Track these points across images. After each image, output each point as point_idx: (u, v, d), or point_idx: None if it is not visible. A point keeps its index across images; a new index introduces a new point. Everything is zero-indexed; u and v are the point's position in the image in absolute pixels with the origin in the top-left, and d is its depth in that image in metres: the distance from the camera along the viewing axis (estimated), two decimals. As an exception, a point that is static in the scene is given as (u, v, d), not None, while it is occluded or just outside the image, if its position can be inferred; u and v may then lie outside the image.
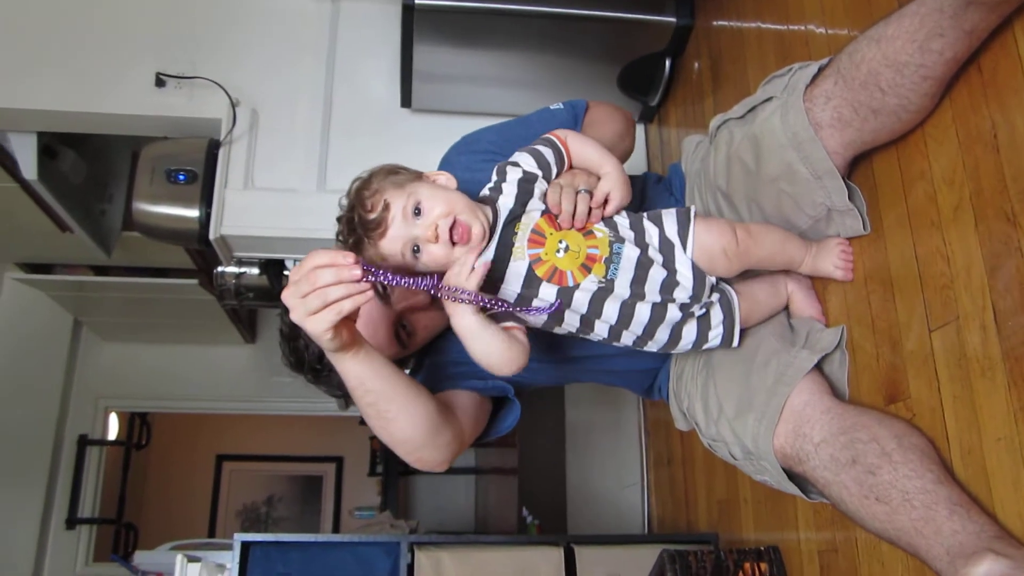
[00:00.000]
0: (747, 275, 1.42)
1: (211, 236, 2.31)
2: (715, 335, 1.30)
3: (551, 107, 1.57)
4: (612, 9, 2.20)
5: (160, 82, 2.41)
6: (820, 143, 1.21)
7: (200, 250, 2.97)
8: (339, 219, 1.20)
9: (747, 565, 1.51)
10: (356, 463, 5.89)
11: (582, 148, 1.31)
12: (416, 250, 1.13)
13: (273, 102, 2.46)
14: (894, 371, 1.24)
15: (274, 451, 5.90)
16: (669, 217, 1.28)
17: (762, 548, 1.51)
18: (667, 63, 2.34)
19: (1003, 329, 1.02)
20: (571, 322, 1.23)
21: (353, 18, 2.59)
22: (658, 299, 1.23)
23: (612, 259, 1.20)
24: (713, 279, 1.28)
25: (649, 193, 1.61)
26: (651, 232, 1.26)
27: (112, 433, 4.45)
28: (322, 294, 1.00)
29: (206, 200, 2.34)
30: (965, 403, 1.09)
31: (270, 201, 2.34)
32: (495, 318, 1.17)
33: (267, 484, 5.95)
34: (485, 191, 1.23)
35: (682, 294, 1.24)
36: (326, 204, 2.35)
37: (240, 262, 2.56)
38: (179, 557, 1.92)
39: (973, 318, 1.08)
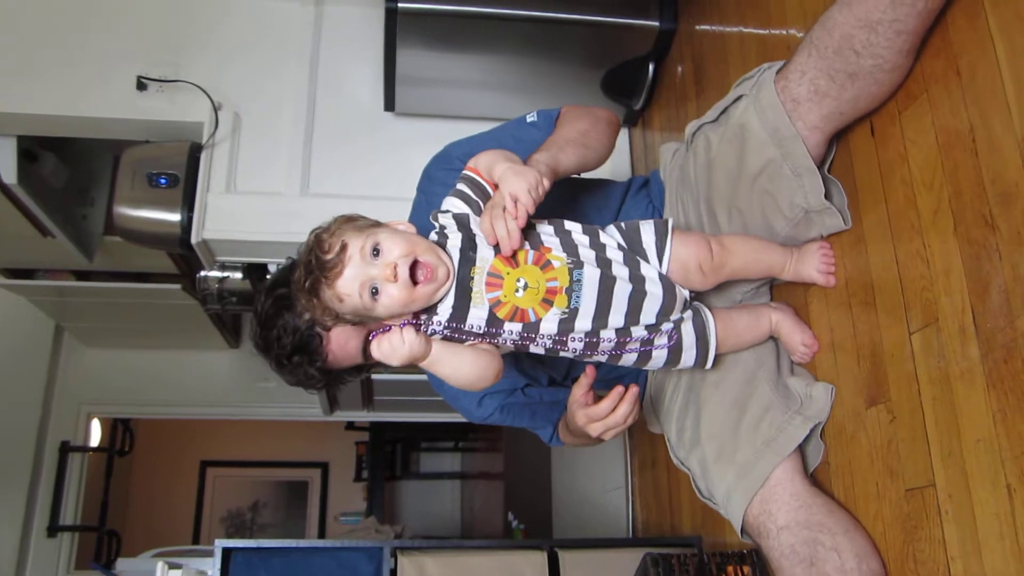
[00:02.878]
0: (728, 296, 1.45)
1: (193, 240, 2.30)
2: (688, 357, 1.30)
3: (527, 118, 1.56)
4: (595, 13, 2.21)
5: (142, 85, 2.40)
6: (800, 139, 1.22)
7: (183, 254, 2.95)
8: (295, 266, 1.17)
9: (730, 568, 1.51)
10: (342, 469, 5.88)
11: (489, 166, 1.24)
12: (375, 292, 1.10)
13: (256, 106, 2.45)
14: (874, 373, 1.24)
15: (259, 457, 5.88)
16: (647, 228, 1.27)
17: (745, 551, 1.51)
18: (650, 67, 2.34)
19: (982, 331, 1.03)
20: (540, 347, 1.23)
21: (336, 22, 2.58)
22: (621, 323, 1.21)
23: (573, 288, 1.18)
24: (687, 293, 1.28)
25: (627, 204, 1.61)
26: (615, 243, 1.25)
27: (94, 439, 4.42)
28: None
29: (188, 204, 2.32)
30: (945, 405, 1.09)
31: (253, 205, 2.32)
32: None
33: (252, 490, 5.92)
34: (433, 236, 1.20)
35: (651, 306, 1.23)
36: (309, 208, 2.36)
37: (223, 266, 2.55)
38: (160, 564, 1.90)
39: (952, 320, 1.08)
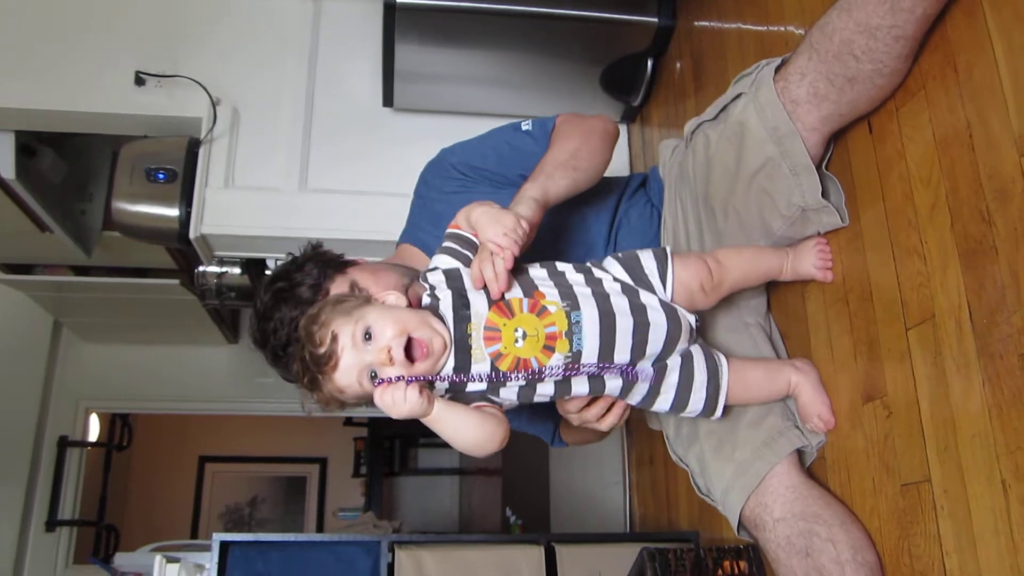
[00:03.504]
0: (737, 315, 1.44)
1: (191, 235, 2.30)
2: (697, 399, 1.25)
3: (521, 126, 1.56)
4: (594, 9, 2.21)
5: (140, 80, 2.39)
6: (799, 137, 1.22)
7: (181, 250, 2.96)
8: (294, 358, 1.15)
9: (726, 563, 1.52)
10: (340, 464, 5.88)
11: (467, 217, 1.23)
12: (374, 376, 1.07)
13: (254, 101, 2.45)
14: (871, 369, 1.24)
15: (257, 452, 5.88)
16: (647, 256, 1.26)
17: (741, 546, 1.52)
18: (649, 63, 2.34)
19: (978, 327, 1.03)
20: (545, 393, 1.19)
21: (335, 17, 2.58)
22: (628, 359, 1.18)
23: (573, 330, 1.14)
24: (692, 320, 1.25)
25: (625, 203, 1.60)
26: (611, 276, 1.23)
27: (93, 435, 4.42)
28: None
29: (186, 199, 2.32)
30: (941, 400, 1.09)
31: (251, 200, 2.33)
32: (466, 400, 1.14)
33: (250, 485, 5.93)
34: (426, 299, 1.17)
35: (657, 335, 1.19)
36: (308, 203, 2.37)
37: (221, 261, 2.54)
38: (158, 558, 1.91)
39: (949, 317, 1.08)
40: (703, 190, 1.43)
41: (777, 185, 1.28)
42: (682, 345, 1.23)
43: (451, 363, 1.12)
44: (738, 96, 1.32)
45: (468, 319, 1.13)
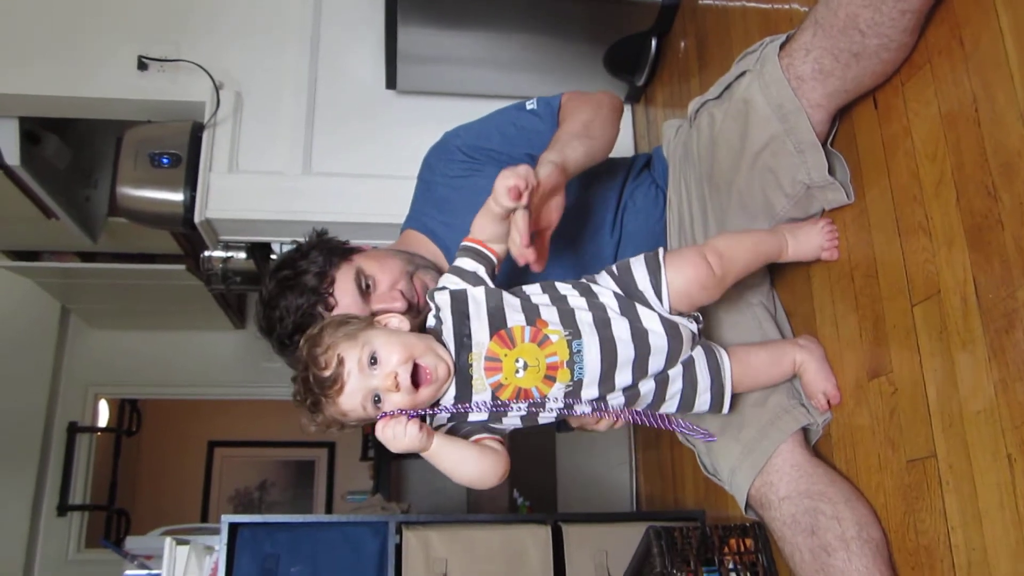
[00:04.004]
0: (743, 299, 1.42)
1: (196, 220, 2.30)
2: (703, 401, 1.25)
3: (526, 105, 1.55)
4: (598, -12, 2.19)
5: (143, 65, 2.39)
6: (804, 114, 1.22)
7: (186, 235, 2.96)
8: (294, 379, 1.15)
9: (732, 541, 1.52)
10: (348, 448, 5.90)
11: (484, 236, 1.20)
12: (377, 400, 1.08)
13: (257, 84, 2.45)
14: (876, 346, 1.24)
15: (266, 437, 5.90)
16: (639, 267, 1.22)
17: (747, 524, 1.52)
18: (653, 43, 2.33)
19: (984, 302, 1.03)
20: (548, 418, 1.18)
21: (337, -1, 2.57)
22: (629, 381, 1.17)
23: (574, 360, 1.13)
24: (694, 328, 1.23)
25: (630, 185, 1.60)
26: (610, 293, 1.21)
27: (102, 420, 4.45)
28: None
29: (190, 184, 2.33)
30: (946, 376, 1.09)
31: (255, 184, 2.32)
32: (464, 435, 1.14)
33: (259, 470, 5.96)
34: (431, 320, 1.17)
35: (656, 359, 1.18)
36: (312, 187, 2.36)
37: (227, 246, 2.55)
38: (168, 540, 1.92)
39: (954, 292, 1.08)
40: (707, 170, 1.42)
41: (782, 163, 1.27)
42: (684, 356, 1.22)
43: (452, 391, 1.12)
44: (743, 74, 1.31)
45: (469, 348, 1.13)
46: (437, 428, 1.13)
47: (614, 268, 1.24)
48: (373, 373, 1.07)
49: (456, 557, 1.71)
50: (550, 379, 1.13)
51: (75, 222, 3.10)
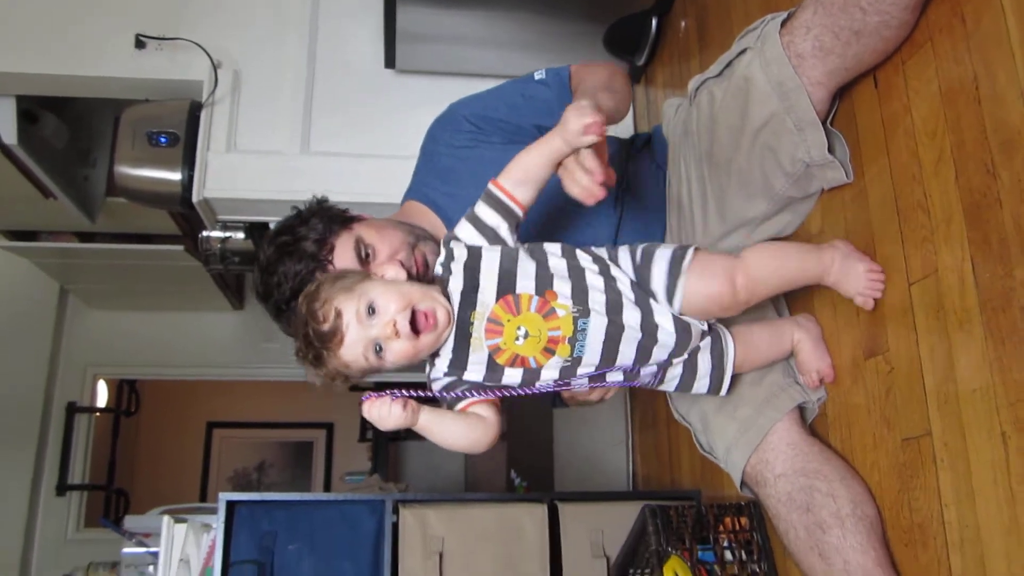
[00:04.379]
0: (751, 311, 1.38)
1: (194, 199, 2.30)
2: (702, 385, 1.25)
3: (534, 75, 1.55)
4: (598, -33, 2.18)
5: (140, 44, 2.38)
6: (805, 92, 1.21)
7: (185, 215, 2.96)
8: (294, 335, 1.15)
9: (727, 519, 1.53)
10: (346, 429, 5.92)
11: (522, 179, 1.17)
12: (379, 349, 1.09)
13: (255, 63, 2.44)
14: (873, 325, 1.24)
15: (264, 418, 5.92)
16: (660, 264, 1.18)
17: (743, 503, 1.53)
18: (653, 22, 2.32)
19: (981, 281, 1.03)
20: (547, 382, 1.17)
21: (336, -23, 2.55)
22: (629, 366, 1.17)
23: (577, 337, 1.12)
24: (704, 326, 1.21)
25: (631, 167, 1.59)
26: (627, 279, 1.18)
27: (101, 400, 4.45)
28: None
29: (188, 163, 2.32)
30: (943, 355, 1.09)
31: (254, 163, 2.32)
32: (458, 398, 1.15)
33: (258, 451, 5.97)
34: (438, 268, 1.17)
35: (661, 353, 1.18)
36: (311, 166, 2.36)
37: (225, 226, 2.54)
38: (166, 518, 1.93)
39: (952, 271, 1.08)
40: (707, 148, 1.42)
41: (782, 141, 1.26)
42: (691, 348, 1.21)
43: (450, 345, 1.13)
44: (743, 51, 1.30)
45: (474, 306, 1.13)
46: (435, 381, 1.15)
47: (638, 253, 1.21)
48: (372, 323, 1.08)
49: (453, 535, 1.72)
50: (549, 351, 1.13)
51: (73, 202, 3.09)
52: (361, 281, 1.13)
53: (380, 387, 1.13)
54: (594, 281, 1.16)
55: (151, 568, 2.20)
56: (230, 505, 1.74)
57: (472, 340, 1.12)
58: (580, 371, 1.15)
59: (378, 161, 2.32)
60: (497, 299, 1.13)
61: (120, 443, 4.81)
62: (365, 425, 5.73)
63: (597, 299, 1.14)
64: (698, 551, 1.50)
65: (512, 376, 1.14)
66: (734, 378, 1.29)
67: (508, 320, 1.12)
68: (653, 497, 1.78)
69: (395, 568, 1.70)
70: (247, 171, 2.30)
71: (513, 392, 1.16)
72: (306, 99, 2.42)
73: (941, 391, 1.10)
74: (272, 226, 1.45)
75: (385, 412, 1.05)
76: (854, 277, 1.24)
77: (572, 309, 1.13)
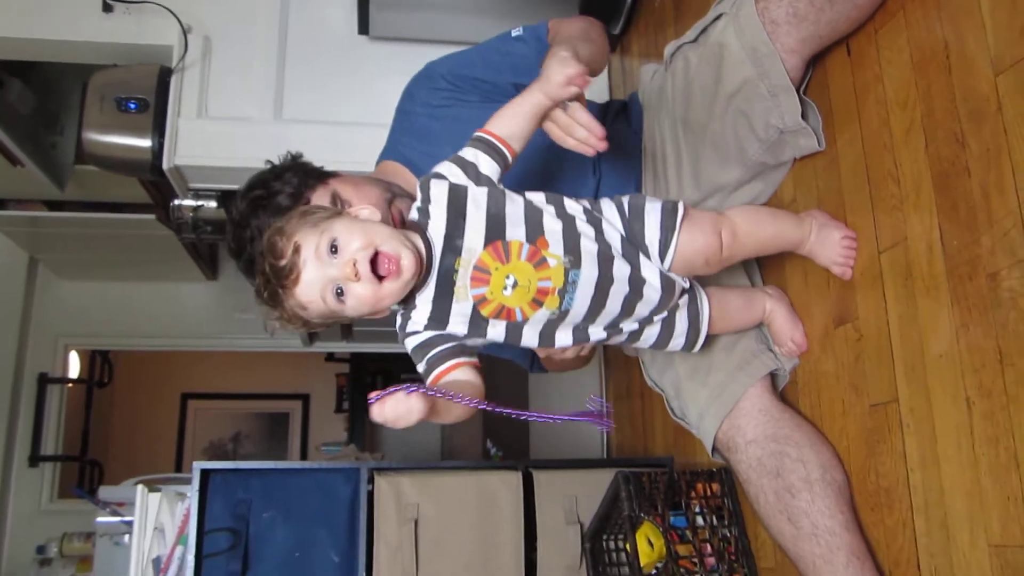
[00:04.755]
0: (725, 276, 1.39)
1: (165, 166, 2.26)
2: (677, 343, 1.24)
3: (512, 33, 1.53)
4: (574, -67, 2.15)
5: (107, 7, 2.33)
6: (778, 58, 1.21)
7: (155, 183, 2.91)
8: (257, 273, 1.07)
9: (699, 485, 1.55)
10: (323, 400, 5.91)
11: (508, 134, 1.14)
12: (340, 293, 1.01)
13: (226, 29, 2.39)
14: (843, 293, 1.26)
15: (239, 389, 5.90)
16: (652, 217, 1.14)
17: (714, 469, 1.55)
18: (630, -10, 2.30)
19: (948, 248, 1.04)
20: (530, 338, 1.12)
21: (308, -60, 2.51)
22: (610, 322, 1.15)
23: (567, 289, 1.07)
24: (685, 283, 1.19)
25: (606, 128, 1.59)
26: (616, 232, 1.14)
27: (73, 371, 4.41)
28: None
29: (158, 129, 2.28)
30: (910, 322, 1.11)
31: (225, 130, 2.29)
32: (439, 357, 1.06)
33: (233, 422, 5.96)
34: (414, 212, 1.09)
35: (644, 308, 1.15)
36: (283, 133, 2.33)
37: (197, 195, 2.51)
38: (140, 487, 1.93)
39: (921, 239, 1.09)
40: (682, 114, 1.42)
41: (755, 107, 1.27)
42: (671, 306, 1.20)
43: (430, 293, 1.06)
44: (718, 17, 1.30)
45: (459, 252, 1.05)
46: (409, 336, 1.07)
47: (625, 206, 1.16)
48: (332, 261, 1.00)
49: (428, 502, 1.72)
50: (537, 303, 1.07)
51: (41, 169, 3.03)
52: (329, 217, 1.05)
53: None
54: (585, 229, 1.11)
55: (126, 537, 2.20)
56: (204, 473, 1.74)
57: (456, 290, 1.05)
58: (563, 324, 1.10)
59: (351, 128, 2.29)
60: (485, 245, 1.06)
61: (93, 414, 4.78)
62: (341, 396, 5.73)
63: (588, 248, 1.10)
64: (670, 517, 1.52)
65: (495, 330, 1.08)
66: (706, 343, 1.30)
67: (496, 268, 1.05)
68: (626, 464, 1.80)
69: (370, 535, 1.71)
70: (218, 138, 2.27)
71: (499, 341, 1.11)
72: (278, 65, 2.38)
73: (908, 358, 1.11)
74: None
75: (404, 409, 0.93)
76: (830, 245, 1.24)
77: (564, 259, 1.08)
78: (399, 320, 1.09)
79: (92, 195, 3.44)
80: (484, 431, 3.71)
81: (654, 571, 1.48)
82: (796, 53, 1.23)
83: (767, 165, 1.36)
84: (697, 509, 1.54)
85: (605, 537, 1.69)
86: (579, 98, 1.14)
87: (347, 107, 2.38)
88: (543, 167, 1.49)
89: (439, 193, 1.08)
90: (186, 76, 2.32)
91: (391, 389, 0.96)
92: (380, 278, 1.00)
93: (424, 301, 1.06)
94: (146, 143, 2.29)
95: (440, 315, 1.06)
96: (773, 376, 1.37)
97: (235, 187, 2.36)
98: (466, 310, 1.06)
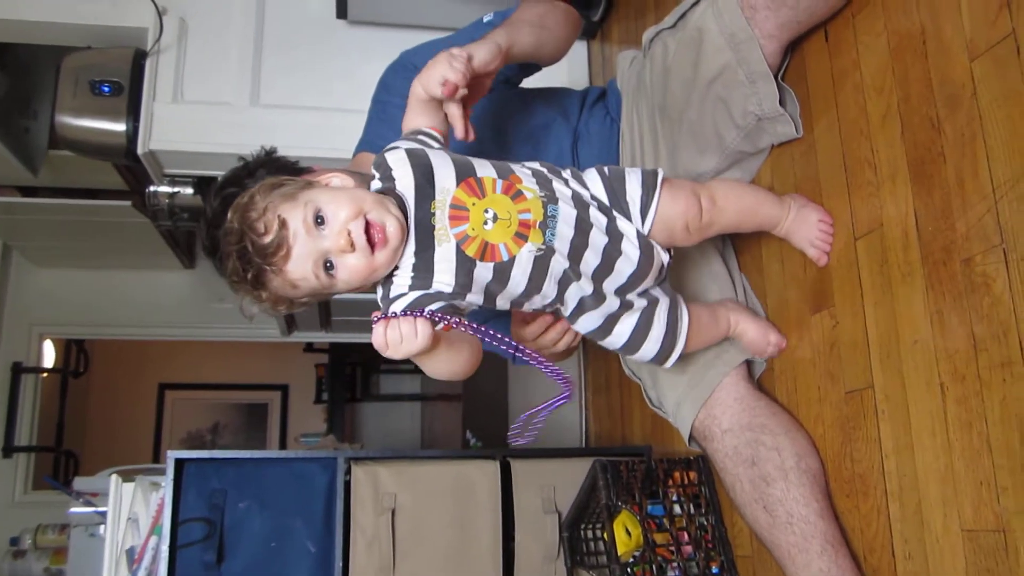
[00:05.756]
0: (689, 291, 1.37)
1: (139, 151, 2.23)
2: (650, 349, 1.18)
3: (484, 19, 1.53)
4: (555, -81, 2.13)
5: (81, -12, 2.29)
6: (757, 43, 1.21)
7: (131, 169, 2.88)
8: (226, 255, 1.02)
9: (676, 473, 1.55)
10: (302, 391, 5.90)
11: (411, 121, 1.15)
12: (329, 266, 0.98)
13: (202, 11, 2.35)
14: (820, 280, 1.26)
15: (218, 379, 5.86)
16: (633, 178, 1.13)
17: (691, 458, 1.55)
18: (610, -23, 2.29)
19: (923, 235, 1.04)
20: (511, 295, 1.07)
21: (286, -79, 2.47)
22: (593, 269, 1.09)
23: (547, 223, 1.03)
24: (665, 259, 1.16)
25: (584, 115, 1.58)
26: (589, 194, 1.12)
27: (48, 361, 4.36)
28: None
29: (133, 113, 2.24)
30: (885, 308, 1.11)
31: (201, 115, 2.25)
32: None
33: (211, 412, 5.93)
34: (375, 184, 1.05)
35: (625, 266, 1.10)
36: (260, 119, 2.30)
37: (173, 181, 2.47)
38: (113, 477, 1.90)
39: (896, 225, 1.09)
40: (660, 100, 1.41)
41: (733, 93, 1.26)
42: (648, 283, 1.15)
43: (411, 247, 1.01)
44: (697, 2, 1.29)
45: (432, 196, 1.01)
46: (395, 301, 1.00)
47: (605, 169, 1.14)
48: (321, 234, 0.97)
49: (405, 492, 1.71)
50: (521, 237, 1.02)
51: (14, 154, 2.98)
52: (304, 188, 1.00)
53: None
54: (554, 177, 1.10)
55: (101, 529, 2.17)
56: (179, 463, 1.72)
57: (436, 232, 1.00)
58: (552, 264, 1.05)
59: (329, 114, 2.27)
60: (458, 183, 1.02)
61: (69, 404, 4.73)
62: (321, 387, 5.71)
63: (562, 189, 1.07)
64: (648, 505, 1.52)
65: (484, 273, 1.01)
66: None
67: (473, 204, 1.01)
68: (604, 453, 1.80)
69: (347, 525, 1.70)
70: (194, 123, 2.24)
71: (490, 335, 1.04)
72: (255, 49, 2.35)
73: (884, 344, 1.11)
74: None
75: (409, 333, 0.90)
76: (807, 226, 1.24)
77: (539, 193, 1.05)
78: (380, 290, 1.03)
79: (67, 181, 3.40)
80: (464, 422, 3.71)
81: (632, 559, 1.48)
82: (774, 38, 1.22)
83: (745, 153, 1.35)
84: (674, 497, 1.54)
85: (583, 526, 1.69)
86: (470, 95, 1.17)
87: (325, 92, 2.35)
88: (519, 154, 1.48)
89: (397, 158, 1.06)
90: (161, 59, 2.28)
91: (398, 312, 0.94)
92: (371, 246, 0.97)
93: (406, 258, 1.01)
94: (120, 127, 2.25)
95: (424, 267, 1.00)
96: (749, 364, 1.37)
97: (212, 173, 2.36)
98: (450, 253, 1.00)
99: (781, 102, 1.26)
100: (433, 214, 1.01)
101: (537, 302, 1.11)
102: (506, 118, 1.52)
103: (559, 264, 1.06)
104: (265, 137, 2.22)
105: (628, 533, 1.48)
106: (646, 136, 1.46)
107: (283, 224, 0.97)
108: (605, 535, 1.51)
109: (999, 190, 0.92)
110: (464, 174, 1.04)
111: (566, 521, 1.73)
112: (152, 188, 2.50)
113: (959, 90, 0.98)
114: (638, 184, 1.13)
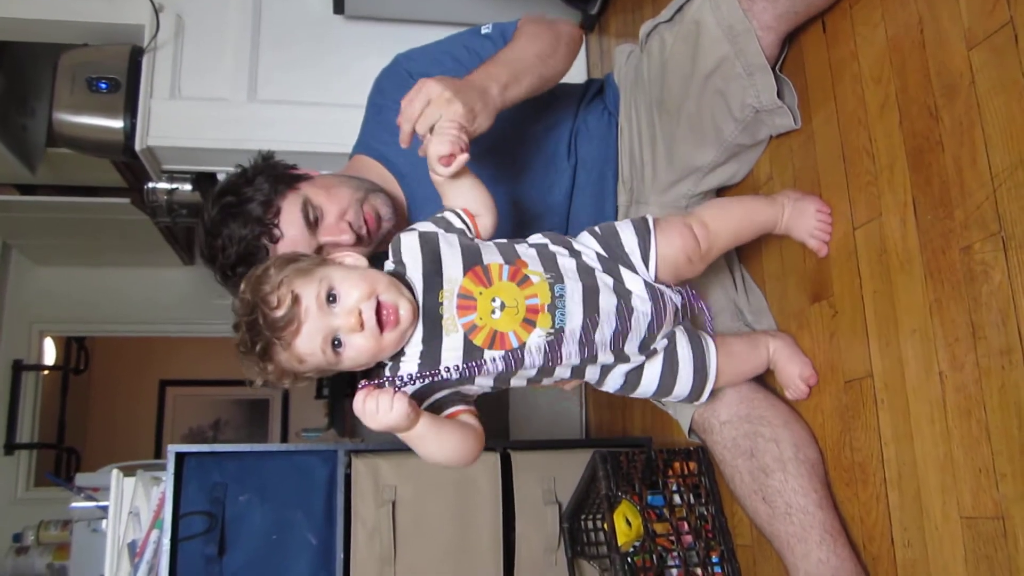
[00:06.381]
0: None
1: (137, 147, 2.23)
2: (683, 388, 1.19)
3: (481, 29, 1.51)
4: (552, -89, 2.13)
5: (77, -16, 2.29)
6: (755, 35, 1.21)
7: (129, 165, 2.87)
8: (236, 326, 1.02)
9: (676, 464, 1.55)
10: (302, 387, 5.87)
11: (460, 202, 1.16)
12: (337, 344, 0.98)
13: (199, 7, 2.35)
14: (819, 270, 1.26)
15: (219, 375, 5.85)
16: (626, 230, 1.15)
17: (691, 448, 1.55)
18: (608, -30, 2.28)
19: (922, 223, 1.04)
20: (526, 375, 1.08)
21: (282, -84, 2.47)
22: (610, 339, 1.08)
23: (556, 304, 1.03)
24: (678, 301, 1.16)
25: (583, 113, 1.58)
26: (592, 252, 1.13)
27: (48, 358, 4.37)
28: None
29: (131, 110, 2.24)
30: (884, 297, 1.11)
31: (199, 111, 2.25)
32: (437, 406, 1.03)
33: (213, 409, 5.92)
34: (388, 266, 1.07)
35: (640, 322, 1.09)
36: (257, 114, 2.30)
37: (171, 177, 2.48)
38: (115, 471, 1.91)
39: (894, 214, 1.09)
40: (657, 94, 1.41)
41: (731, 86, 1.26)
42: (667, 328, 1.15)
43: (419, 336, 1.01)
44: None
45: (440, 285, 1.02)
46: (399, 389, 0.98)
47: (596, 229, 1.16)
48: (332, 311, 0.97)
49: (405, 484, 1.72)
50: (529, 323, 1.02)
51: (12, 152, 2.99)
52: (319, 265, 1.02)
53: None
54: (558, 250, 1.11)
55: (103, 524, 2.18)
56: (179, 457, 1.72)
57: (444, 322, 1.01)
58: (564, 349, 1.04)
59: (327, 109, 2.27)
60: (465, 272, 1.04)
61: (70, 401, 4.74)
62: (321, 383, 5.70)
63: (567, 264, 1.08)
64: (648, 496, 1.53)
65: (493, 361, 1.01)
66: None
67: (480, 293, 1.02)
68: (604, 445, 1.80)
69: (348, 517, 1.70)
70: (192, 119, 2.24)
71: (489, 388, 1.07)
72: (252, 45, 2.35)
73: (882, 333, 1.12)
74: (219, 180, 1.41)
75: (385, 406, 0.91)
76: (806, 218, 1.24)
77: (546, 275, 1.05)
78: (387, 373, 1.02)
79: (65, 178, 3.40)
80: (464, 415, 3.72)
81: (632, 549, 1.48)
82: (772, 30, 1.22)
83: (743, 145, 1.35)
84: (674, 488, 1.54)
85: (583, 517, 1.69)
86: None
87: (323, 87, 2.35)
88: (518, 153, 1.48)
89: (410, 242, 1.08)
90: (158, 56, 2.28)
91: (382, 380, 0.95)
92: (380, 327, 0.98)
93: (413, 348, 1.02)
94: (118, 124, 2.25)
95: (432, 355, 1.01)
96: None
97: (210, 169, 2.37)
98: (457, 343, 1.01)
99: (779, 94, 1.26)
100: (441, 303, 1.02)
101: (557, 375, 1.11)
102: (505, 117, 1.52)
103: (571, 346, 1.05)
104: (263, 132, 2.24)
105: (628, 523, 1.48)
106: (644, 130, 1.46)
107: (296, 300, 0.97)
108: (605, 525, 1.51)
109: (997, 178, 0.92)
110: (471, 263, 1.05)
111: (566, 512, 1.73)
112: (150, 184, 2.50)
113: (957, 79, 0.99)
114: (632, 234, 1.15)
